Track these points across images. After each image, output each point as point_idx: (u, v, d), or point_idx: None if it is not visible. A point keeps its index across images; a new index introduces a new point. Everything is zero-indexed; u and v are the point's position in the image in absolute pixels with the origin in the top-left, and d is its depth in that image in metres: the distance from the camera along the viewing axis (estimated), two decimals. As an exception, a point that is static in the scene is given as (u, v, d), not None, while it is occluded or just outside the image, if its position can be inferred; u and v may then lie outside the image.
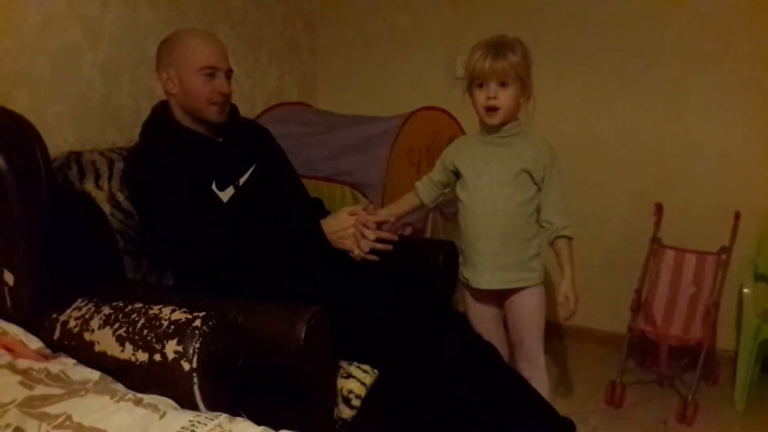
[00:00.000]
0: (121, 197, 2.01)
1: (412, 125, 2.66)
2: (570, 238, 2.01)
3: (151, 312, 1.57)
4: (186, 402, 1.42)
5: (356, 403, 1.71)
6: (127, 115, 2.41)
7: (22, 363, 1.46)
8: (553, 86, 2.87)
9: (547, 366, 2.14)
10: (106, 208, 1.98)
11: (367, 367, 1.77)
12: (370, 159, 2.59)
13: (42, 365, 1.46)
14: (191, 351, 1.45)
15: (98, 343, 1.57)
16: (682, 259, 2.80)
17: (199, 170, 1.95)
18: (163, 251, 2.00)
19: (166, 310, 1.55)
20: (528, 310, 2.05)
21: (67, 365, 1.50)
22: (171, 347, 1.47)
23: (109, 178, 2.03)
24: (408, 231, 2.60)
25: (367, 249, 1.94)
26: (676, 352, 2.71)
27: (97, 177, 2.01)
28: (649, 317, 2.75)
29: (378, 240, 1.95)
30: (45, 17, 2.11)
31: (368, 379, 1.75)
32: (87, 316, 1.63)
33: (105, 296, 1.70)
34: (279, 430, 1.23)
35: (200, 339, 1.46)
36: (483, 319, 2.12)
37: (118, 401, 1.33)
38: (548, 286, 2.06)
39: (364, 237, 1.94)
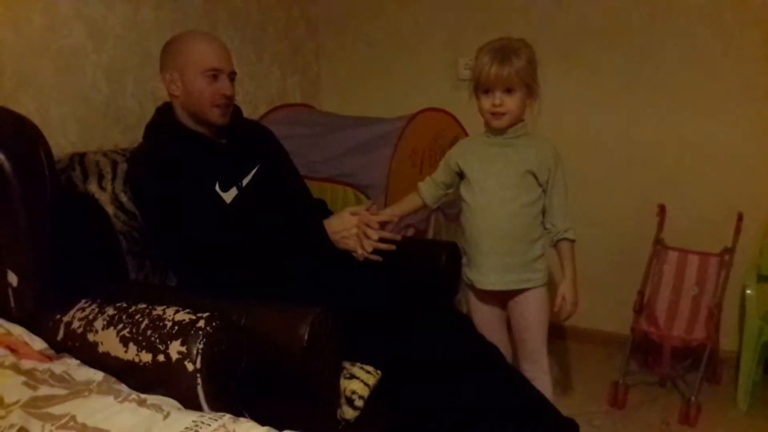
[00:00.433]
0: (124, 198, 2.02)
1: (415, 127, 2.67)
2: (572, 241, 2.02)
3: (154, 313, 1.57)
4: (189, 402, 1.42)
5: (359, 403, 1.71)
6: (130, 117, 2.41)
7: (26, 364, 1.46)
8: (555, 88, 2.86)
9: (550, 367, 2.14)
10: (110, 209, 1.98)
11: (370, 368, 1.77)
12: (373, 160, 2.59)
13: (46, 366, 1.46)
14: (195, 351, 1.45)
15: (102, 343, 1.57)
16: (685, 260, 2.80)
17: (202, 171, 1.95)
18: (167, 252, 2.01)
19: (170, 311, 1.56)
20: (531, 311, 2.05)
21: (70, 366, 1.50)
22: (175, 348, 1.47)
23: (113, 180, 2.03)
24: (410, 232, 2.60)
25: (370, 249, 1.95)
26: (678, 353, 2.70)
27: (101, 178, 2.02)
28: (651, 318, 2.75)
29: (381, 240, 1.96)
30: (49, 19, 2.12)
31: (371, 380, 1.75)
32: (91, 316, 1.63)
33: (108, 297, 1.70)
34: (282, 430, 1.23)
35: (204, 340, 1.46)
36: (486, 320, 2.12)
37: (121, 402, 1.33)
38: (552, 287, 2.06)
39: (367, 237, 1.95)
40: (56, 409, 1.30)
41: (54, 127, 2.14)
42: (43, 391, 1.37)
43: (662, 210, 2.86)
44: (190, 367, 1.45)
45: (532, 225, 2.00)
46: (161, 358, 1.48)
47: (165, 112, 2.05)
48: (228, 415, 1.28)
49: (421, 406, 1.75)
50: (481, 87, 1.93)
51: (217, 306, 1.59)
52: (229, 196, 1.98)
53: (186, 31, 2.10)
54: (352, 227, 1.96)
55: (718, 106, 2.78)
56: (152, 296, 1.71)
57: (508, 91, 1.90)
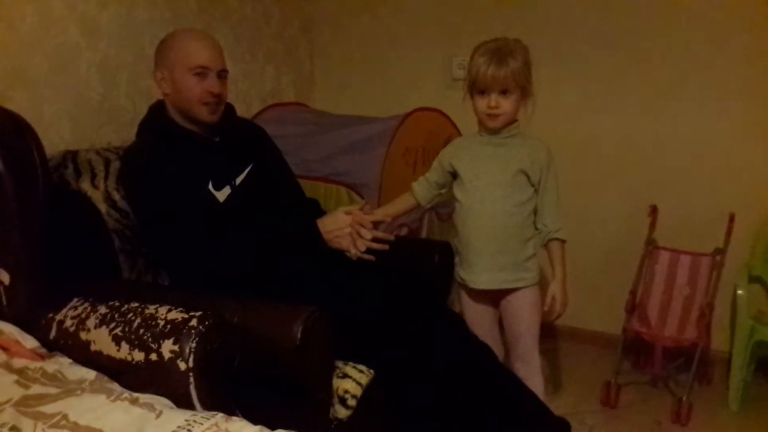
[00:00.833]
0: (117, 196, 2.01)
1: (409, 126, 2.67)
2: (563, 241, 2.03)
3: (147, 311, 1.57)
4: (182, 401, 1.42)
5: (352, 403, 1.71)
6: (123, 115, 2.41)
7: (18, 362, 1.46)
8: (548, 88, 2.84)
9: (543, 367, 2.15)
10: (102, 207, 1.97)
11: (363, 367, 1.78)
12: (367, 159, 2.59)
13: (38, 364, 1.46)
14: (187, 350, 1.45)
15: (94, 342, 1.57)
16: (677, 260, 2.81)
17: (195, 170, 1.95)
18: (160, 251, 2.00)
19: (163, 310, 1.55)
20: (524, 310, 2.06)
21: (63, 365, 1.50)
22: (167, 347, 1.47)
23: (105, 178, 2.03)
24: (404, 231, 2.60)
25: (363, 248, 1.95)
26: (670, 352, 2.71)
27: (93, 176, 2.01)
28: (643, 318, 2.76)
29: (374, 240, 1.96)
30: (43, 17, 2.11)
31: (364, 379, 1.75)
32: (83, 315, 1.63)
33: (101, 295, 1.69)
34: (275, 429, 1.23)
35: (196, 338, 1.46)
36: (478, 319, 2.12)
37: (114, 401, 1.33)
38: (544, 287, 2.06)
39: (361, 236, 1.95)
40: (48, 408, 1.30)
41: (47, 125, 2.13)
42: (35, 389, 1.37)
43: (654, 210, 2.87)
44: (182, 366, 1.45)
45: (525, 224, 2.00)
46: (154, 356, 1.48)
47: (158, 110, 2.05)
48: (220, 414, 1.28)
49: (414, 405, 1.75)
50: (476, 88, 1.93)
51: (209, 305, 1.59)
52: (222, 195, 1.98)
53: (179, 29, 2.09)
54: (346, 227, 1.96)
55: (711, 108, 2.79)
56: (145, 295, 1.70)
57: (504, 92, 1.90)
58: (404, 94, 3.26)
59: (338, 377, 1.74)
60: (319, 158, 2.66)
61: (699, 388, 2.73)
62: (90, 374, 1.46)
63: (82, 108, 2.27)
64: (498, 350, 2.10)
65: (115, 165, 2.06)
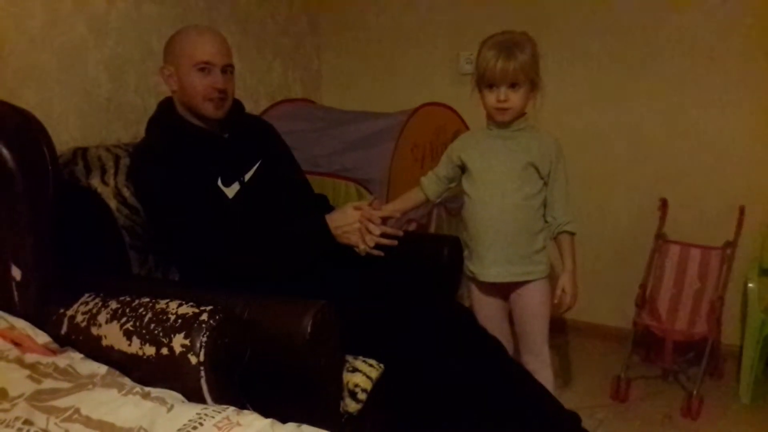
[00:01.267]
0: (126, 193, 2.02)
1: (416, 121, 2.67)
2: (572, 234, 2.02)
3: (158, 306, 1.57)
4: (193, 395, 1.42)
5: (362, 396, 1.72)
6: (132, 112, 2.42)
7: (30, 357, 1.47)
8: (557, 82, 2.86)
9: (553, 361, 2.14)
10: (112, 203, 1.98)
11: (372, 361, 1.78)
12: (375, 155, 2.59)
13: (50, 359, 1.47)
14: (198, 345, 1.46)
15: (105, 337, 1.58)
16: (687, 254, 2.80)
17: (204, 166, 1.95)
18: (169, 247, 2.01)
19: (173, 305, 1.56)
20: (533, 303, 2.05)
21: (74, 359, 1.50)
22: (178, 341, 1.48)
23: (115, 174, 2.03)
24: (412, 226, 2.60)
25: (372, 244, 1.95)
26: (680, 346, 2.71)
27: (103, 173, 2.02)
28: (653, 312, 2.75)
29: (383, 235, 1.96)
30: (51, 14, 2.12)
31: (374, 373, 1.76)
32: (94, 310, 1.64)
33: (112, 291, 1.70)
34: (285, 423, 1.24)
35: (207, 333, 1.47)
36: (488, 312, 2.12)
37: (125, 395, 1.34)
38: (553, 280, 2.06)
39: (369, 232, 1.95)
40: (60, 402, 1.31)
41: (56, 122, 2.15)
42: (48, 384, 1.38)
43: (664, 204, 2.86)
44: (193, 360, 1.45)
45: (534, 217, 2.00)
46: (165, 351, 1.49)
47: (166, 107, 2.05)
48: (231, 408, 1.29)
49: (423, 399, 1.75)
50: (485, 82, 1.92)
51: (220, 299, 1.60)
52: (231, 191, 1.99)
53: (186, 25, 2.10)
54: (355, 222, 1.96)
55: (720, 100, 2.77)
56: (155, 290, 1.71)
57: (513, 86, 1.90)
58: (412, 90, 3.27)
59: (348, 371, 1.74)
60: (327, 154, 2.66)
61: (709, 382, 2.71)
62: (101, 369, 1.46)
63: (91, 105, 2.28)
64: (507, 344, 2.09)
65: (125, 161, 2.07)
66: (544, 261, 2.04)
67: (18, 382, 1.38)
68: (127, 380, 1.43)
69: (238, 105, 2.13)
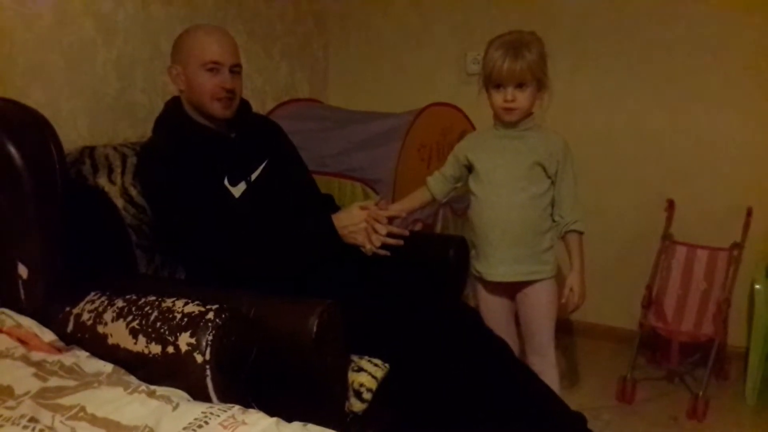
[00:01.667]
0: (133, 192, 2.02)
1: (423, 121, 2.67)
2: (581, 233, 2.01)
3: (164, 305, 1.57)
4: (199, 394, 1.43)
5: (367, 396, 1.72)
6: (140, 111, 2.42)
7: (36, 355, 1.48)
8: (565, 82, 2.86)
9: (559, 362, 2.14)
10: (119, 202, 1.99)
11: (378, 361, 1.78)
12: (381, 155, 2.59)
13: (56, 358, 1.48)
14: (204, 343, 1.46)
15: (111, 335, 1.58)
16: (694, 255, 2.80)
17: (211, 166, 1.95)
18: (176, 246, 2.01)
19: (179, 303, 1.56)
20: (540, 303, 2.05)
21: (80, 358, 1.51)
22: (184, 339, 1.48)
23: (122, 173, 2.04)
24: (418, 227, 2.60)
25: (378, 244, 1.95)
26: (687, 348, 2.70)
27: (110, 172, 2.02)
28: (660, 313, 2.75)
29: (389, 235, 1.96)
30: (59, 14, 2.13)
31: (379, 373, 1.76)
32: (100, 309, 1.64)
33: (118, 289, 1.70)
34: (291, 422, 1.24)
35: (213, 331, 1.47)
36: (495, 312, 2.12)
37: (131, 393, 1.34)
38: (561, 280, 2.06)
39: (376, 232, 1.95)
40: (66, 400, 1.31)
41: (64, 121, 2.15)
42: (53, 382, 1.38)
43: (671, 205, 2.85)
44: (199, 358, 1.46)
45: (541, 216, 1.99)
46: (170, 349, 1.49)
47: (174, 106, 2.06)
48: (237, 407, 1.29)
49: (429, 399, 1.75)
50: (492, 82, 1.92)
51: (226, 298, 1.60)
52: (237, 190, 1.99)
53: (194, 25, 2.10)
54: (361, 222, 1.96)
55: (728, 100, 2.77)
56: (161, 289, 1.72)
57: (520, 86, 1.90)
58: (418, 90, 3.26)
59: (353, 371, 1.74)
60: (333, 154, 2.66)
61: (716, 384, 2.71)
62: (107, 367, 1.47)
63: (99, 104, 2.29)
64: (514, 344, 2.09)
65: (132, 161, 2.08)
66: (552, 260, 2.04)
67: (24, 379, 1.38)
68: (132, 378, 1.44)
69: (245, 105, 2.13)
